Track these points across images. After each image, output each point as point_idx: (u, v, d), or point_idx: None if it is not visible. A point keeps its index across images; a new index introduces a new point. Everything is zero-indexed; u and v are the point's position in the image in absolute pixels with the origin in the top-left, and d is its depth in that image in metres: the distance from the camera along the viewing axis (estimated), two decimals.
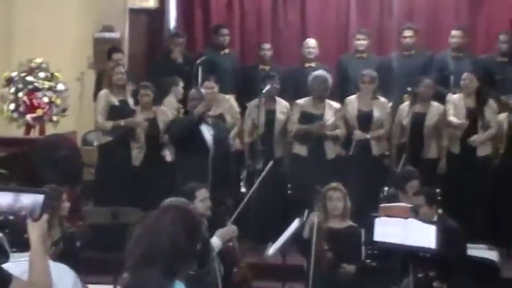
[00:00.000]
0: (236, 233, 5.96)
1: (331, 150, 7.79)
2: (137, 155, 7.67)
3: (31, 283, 2.85)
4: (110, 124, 7.60)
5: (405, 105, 7.82)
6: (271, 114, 7.86)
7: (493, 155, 7.76)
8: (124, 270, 2.71)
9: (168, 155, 7.71)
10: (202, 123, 7.11)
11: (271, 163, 7.03)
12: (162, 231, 2.65)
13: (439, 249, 5.37)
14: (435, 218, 5.75)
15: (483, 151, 7.74)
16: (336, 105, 7.89)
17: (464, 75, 7.79)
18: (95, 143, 7.90)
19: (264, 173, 6.93)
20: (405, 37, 8.61)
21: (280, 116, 7.91)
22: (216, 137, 7.00)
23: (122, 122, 7.57)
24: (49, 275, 2.91)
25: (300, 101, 7.92)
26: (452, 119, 7.71)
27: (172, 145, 7.60)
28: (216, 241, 5.65)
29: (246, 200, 6.62)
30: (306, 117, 7.79)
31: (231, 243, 5.89)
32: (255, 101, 7.88)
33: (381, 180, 7.53)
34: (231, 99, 8.26)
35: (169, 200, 5.12)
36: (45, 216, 2.95)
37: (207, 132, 7.07)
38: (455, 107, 7.80)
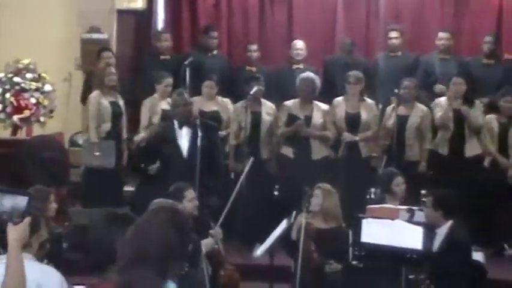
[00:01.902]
0: (221, 235, 5.98)
1: (318, 151, 7.82)
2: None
3: (5, 285, 2.88)
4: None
5: (391, 108, 7.86)
6: (257, 116, 7.88)
7: (483, 156, 7.80)
8: (115, 271, 2.72)
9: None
10: (184, 127, 7.08)
11: (251, 160, 7.02)
12: (153, 232, 2.67)
13: (426, 251, 5.42)
14: (445, 226, 5.73)
15: (472, 151, 7.79)
16: (324, 106, 7.92)
17: (454, 79, 7.84)
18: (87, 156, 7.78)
19: (245, 172, 6.94)
20: (391, 38, 8.66)
21: (266, 117, 7.93)
22: (204, 139, 6.95)
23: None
24: (23, 278, 2.96)
25: (288, 103, 7.94)
26: (438, 115, 7.75)
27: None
28: (207, 242, 5.69)
29: (231, 201, 6.62)
30: (293, 119, 7.81)
31: (216, 246, 5.92)
32: (241, 103, 7.90)
33: (369, 182, 7.58)
34: (227, 100, 8.27)
35: (158, 201, 5.14)
36: (26, 220, 2.97)
37: (186, 135, 7.02)
38: (442, 110, 7.85)
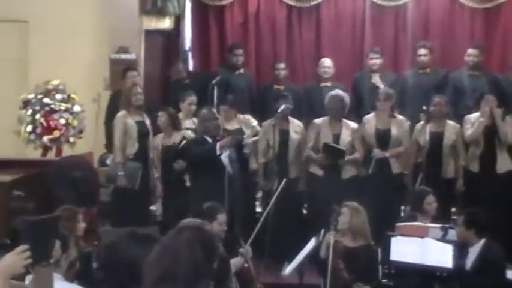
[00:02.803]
0: (251, 254, 5.96)
1: (348, 170, 7.76)
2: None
3: None
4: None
5: (420, 124, 7.79)
6: (285, 134, 7.86)
7: None
8: None
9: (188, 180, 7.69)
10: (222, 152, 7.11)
11: (284, 181, 7.05)
12: (180, 251, 2.66)
13: (457, 269, 5.35)
14: (478, 244, 5.64)
15: (503, 168, 7.70)
16: (353, 125, 7.87)
17: (486, 97, 7.76)
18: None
19: (277, 192, 6.94)
20: (420, 55, 8.62)
21: (294, 135, 7.90)
22: (231, 156, 7.00)
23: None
24: None
25: (317, 121, 7.91)
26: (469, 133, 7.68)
27: (189, 167, 7.56)
28: (236, 261, 5.68)
29: (262, 219, 6.61)
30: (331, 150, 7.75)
31: (246, 264, 5.90)
32: (269, 121, 7.89)
33: (400, 199, 7.51)
34: (248, 116, 8.27)
35: (187, 221, 5.14)
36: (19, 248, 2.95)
37: (223, 154, 7.07)
38: (472, 126, 7.77)
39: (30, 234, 2.95)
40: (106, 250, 4.38)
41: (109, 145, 8.35)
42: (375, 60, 8.70)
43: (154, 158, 7.74)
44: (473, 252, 5.63)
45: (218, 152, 7.09)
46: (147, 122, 7.77)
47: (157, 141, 7.75)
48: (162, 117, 7.73)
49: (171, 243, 2.71)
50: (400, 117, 7.93)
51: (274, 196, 6.94)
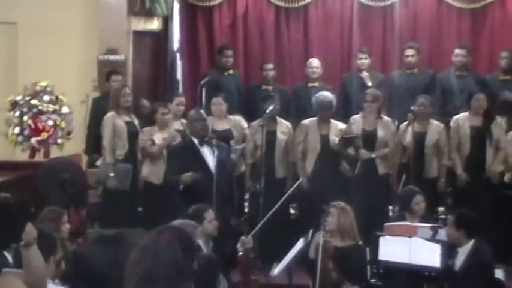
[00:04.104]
0: (251, 244, 6.09)
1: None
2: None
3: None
4: (155, 148, 7.56)
5: (405, 125, 7.82)
6: (272, 135, 7.87)
7: (505, 172, 7.73)
8: None
9: None
10: (204, 145, 7.10)
11: (299, 180, 7.12)
12: (162, 252, 2.67)
13: (444, 269, 5.37)
14: (468, 245, 5.65)
15: (491, 168, 7.74)
16: (341, 125, 7.90)
17: (477, 95, 7.80)
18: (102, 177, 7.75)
19: (291, 190, 6.99)
20: (407, 56, 8.66)
21: (281, 136, 7.92)
22: (219, 158, 7.00)
23: (162, 141, 7.54)
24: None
25: (305, 122, 7.93)
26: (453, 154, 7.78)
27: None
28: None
29: (270, 214, 6.66)
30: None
31: (241, 253, 6.02)
32: (257, 122, 7.90)
33: (386, 199, 7.54)
34: (239, 118, 8.29)
35: (177, 222, 5.15)
36: None
37: (209, 154, 7.06)
38: (459, 126, 7.81)
39: None
40: (72, 255, 4.42)
41: (89, 149, 8.35)
42: (364, 61, 8.73)
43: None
44: (463, 252, 5.64)
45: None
46: (136, 122, 7.77)
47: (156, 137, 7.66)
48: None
49: (152, 245, 2.72)
50: (386, 118, 7.96)
51: (288, 193, 7.00)
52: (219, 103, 8.02)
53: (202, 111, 7.40)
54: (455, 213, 5.93)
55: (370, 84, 8.50)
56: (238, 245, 6.07)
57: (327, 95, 7.91)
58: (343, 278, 5.91)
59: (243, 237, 6.11)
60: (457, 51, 8.58)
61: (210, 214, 5.80)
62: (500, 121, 7.84)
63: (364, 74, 8.67)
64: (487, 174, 7.73)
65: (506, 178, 7.70)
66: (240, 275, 6.09)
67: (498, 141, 7.74)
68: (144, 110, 8.21)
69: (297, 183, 7.08)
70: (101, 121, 7.78)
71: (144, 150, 7.64)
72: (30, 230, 3.49)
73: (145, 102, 8.41)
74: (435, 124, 7.85)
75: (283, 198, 6.94)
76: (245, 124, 8.21)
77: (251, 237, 6.22)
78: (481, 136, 7.76)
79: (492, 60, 9.03)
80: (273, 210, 6.69)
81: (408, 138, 7.67)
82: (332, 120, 7.88)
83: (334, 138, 7.78)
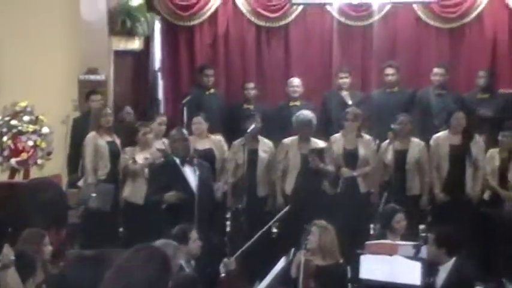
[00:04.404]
0: (233, 266, 6.07)
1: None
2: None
3: None
4: (137, 165, 7.53)
5: (386, 143, 7.87)
6: (253, 154, 7.89)
7: (483, 191, 7.78)
8: None
9: None
10: (185, 165, 7.09)
11: (287, 207, 7.08)
12: (135, 272, 2.68)
13: (425, 286, 5.38)
14: (449, 263, 5.67)
15: (470, 186, 7.78)
16: (322, 144, 7.92)
17: (456, 114, 7.86)
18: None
19: (278, 216, 6.98)
20: (387, 75, 8.73)
21: (262, 154, 7.94)
22: (200, 177, 6.99)
23: (144, 160, 7.52)
24: None
25: (286, 141, 7.96)
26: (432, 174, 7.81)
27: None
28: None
29: (254, 239, 6.65)
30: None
31: (223, 275, 6.01)
32: (238, 141, 7.92)
33: (368, 218, 7.56)
34: (220, 137, 8.31)
35: (159, 242, 5.13)
36: None
37: (191, 174, 7.04)
38: (438, 144, 7.86)
39: None
40: (53, 278, 4.40)
41: (72, 169, 8.31)
42: (345, 80, 8.80)
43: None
44: (444, 270, 5.67)
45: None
46: (117, 142, 7.76)
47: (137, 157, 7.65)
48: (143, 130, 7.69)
49: (126, 264, 2.73)
50: (367, 137, 8.00)
51: (275, 218, 6.98)
52: (199, 122, 8.05)
53: (184, 131, 7.40)
54: (436, 231, 5.95)
55: (350, 102, 8.55)
56: (221, 267, 6.05)
57: (307, 113, 7.94)
58: None
59: (225, 259, 6.10)
60: (435, 70, 8.67)
61: (194, 234, 5.81)
62: (479, 139, 7.90)
63: (344, 92, 8.73)
64: (467, 194, 7.75)
65: (485, 196, 7.76)
66: None
67: (477, 159, 7.79)
68: (128, 117, 8.19)
69: (284, 210, 7.04)
70: (82, 141, 7.76)
71: (126, 169, 7.61)
72: (7, 252, 3.47)
73: (128, 109, 8.41)
74: (416, 142, 7.91)
75: (270, 223, 6.92)
76: (225, 146, 8.21)
77: (233, 259, 6.20)
78: (460, 155, 7.81)
79: (470, 79, 9.11)
80: (258, 234, 6.69)
81: (389, 156, 7.72)
82: (312, 139, 7.91)
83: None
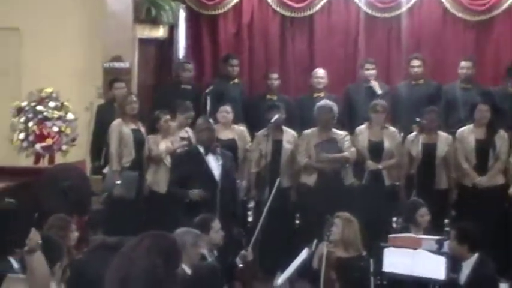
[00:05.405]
0: (251, 257, 6.09)
1: (344, 179, 7.77)
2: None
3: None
4: (160, 152, 7.59)
5: (412, 135, 7.81)
6: (278, 144, 7.87)
7: (507, 185, 7.69)
8: None
9: None
10: (209, 154, 7.08)
11: (278, 181, 7.08)
12: (138, 260, 2.65)
13: (449, 281, 5.35)
14: (472, 259, 5.65)
15: (495, 181, 7.70)
16: (342, 134, 7.88)
17: (479, 106, 7.79)
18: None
19: (273, 191, 6.96)
20: (413, 67, 8.65)
21: (286, 145, 7.92)
22: (224, 167, 6.99)
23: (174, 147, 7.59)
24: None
25: (307, 132, 7.93)
26: (464, 165, 7.71)
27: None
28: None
29: (260, 223, 6.64)
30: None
31: (241, 265, 6.03)
32: (262, 131, 7.90)
33: (392, 210, 7.52)
34: (242, 128, 8.30)
35: (180, 230, 5.15)
36: None
37: (215, 163, 7.04)
38: (463, 139, 7.79)
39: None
40: (77, 263, 4.41)
41: (94, 156, 8.33)
42: (371, 71, 8.72)
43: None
44: (467, 266, 5.64)
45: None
46: (143, 130, 7.76)
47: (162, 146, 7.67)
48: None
49: (129, 252, 2.70)
50: (392, 129, 7.96)
51: (272, 195, 6.98)
52: (226, 111, 8.04)
53: (211, 120, 7.41)
54: (458, 227, 5.92)
55: (380, 92, 8.49)
56: (238, 259, 6.04)
57: (328, 103, 7.91)
58: None
59: (243, 252, 6.10)
60: (462, 63, 8.58)
61: (216, 224, 5.80)
62: (503, 133, 7.82)
63: (373, 82, 8.65)
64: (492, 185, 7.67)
65: (511, 191, 7.69)
66: (240, 287, 6.07)
67: (500, 152, 7.71)
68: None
69: (276, 184, 7.04)
70: (105, 128, 7.78)
71: (149, 155, 7.63)
72: (34, 236, 3.48)
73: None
74: (444, 136, 7.84)
75: (268, 203, 6.91)
76: (248, 135, 8.20)
77: (251, 250, 6.20)
78: (485, 149, 7.74)
79: (497, 73, 9.02)
80: (262, 216, 6.69)
81: (416, 149, 7.65)
82: (333, 130, 7.86)
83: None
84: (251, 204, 7.93)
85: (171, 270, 2.69)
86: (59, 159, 8.39)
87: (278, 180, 7.15)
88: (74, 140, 8.46)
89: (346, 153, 7.73)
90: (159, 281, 2.64)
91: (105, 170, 7.80)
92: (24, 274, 3.58)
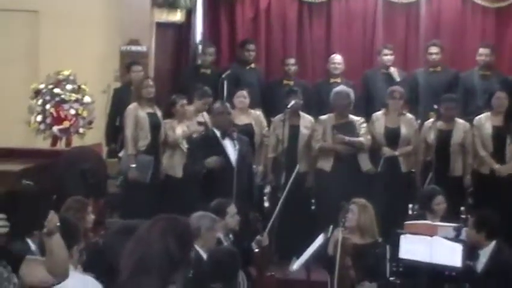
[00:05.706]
0: (266, 242, 6.14)
1: (361, 165, 7.76)
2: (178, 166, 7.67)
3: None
4: (177, 137, 7.60)
5: (430, 122, 7.78)
6: (295, 130, 7.87)
7: None
8: (119, 282, 2.72)
9: None
10: (226, 138, 7.09)
11: (297, 167, 7.12)
12: (154, 243, 2.67)
13: (466, 269, 5.34)
14: (489, 247, 5.63)
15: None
16: (360, 119, 7.87)
17: (497, 93, 7.74)
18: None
19: (293, 177, 6.95)
20: (431, 53, 8.60)
21: (304, 131, 7.91)
22: (240, 151, 7.00)
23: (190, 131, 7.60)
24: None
25: (323, 117, 7.92)
26: (482, 153, 7.66)
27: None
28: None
29: (278, 208, 6.63)
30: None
31: (257, 250, 6.09)
32: (279, 116, 7.89)
33: (408, 197, 7.50)
34: (259, 113, 8.30)
35: (197, 214, 5.17)
36: None
37: (231, 147, 7.05)
38: (480, 126, 7.75)
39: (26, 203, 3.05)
40: (94, 246, 4.44)
41: (110, 139, 8.36)
42: (389, 57, 8.67)
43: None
44: (484, 254, 5.62)
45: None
46: (159, 114, 7.77)
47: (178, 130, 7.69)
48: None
49: (144, 235, 2.72)
50: (409, 115, 7.93)
51: (291, 179, 7.05)
52: (243, 96, 8.04)
53: (228, 105, 7.41)
54: (476, 215, 5.89)
55: (399, 79, 8.45)
56: (253, 244, 6.07)
57: (345, 89, 7.90)
58: (361, 275, 5.89)
59: (258, 237, 6.13)
60: (481, 50, 8.51)
61: (232, 209, 5.82)
62: None
63: (392, 69, 8.61)
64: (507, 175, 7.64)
65: None
66: (256, 271, 6.09)
67: None
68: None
69: (296, 170, 7.05)
70: (122, 111, 7.80)
71: (166, 139, 7.65)
72: (52, 218, 3.50)
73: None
74: (461, 123, 7.80)
75: (286, 188, 6.91)
76: (264, 120, 8.20)
77: (266, 235, 6.22)
78: (502, 135, 7.69)
79: None
80: (280, 202, 6.70)
81: (432, 136, 7.62)
82: (350, 116, 7.84)
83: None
84: (267, 189, 7.93)
85: (185, 252, 2.71)
86: (76, 141, 8.43)
87: (298, 166, 7.16)
88: (90, 122, 8.49)
89: (361, 138, 7.72)
90: (174, 263, 2.66)
91: (121, 154, 7.82)
92: (42, 256, 3.60)
